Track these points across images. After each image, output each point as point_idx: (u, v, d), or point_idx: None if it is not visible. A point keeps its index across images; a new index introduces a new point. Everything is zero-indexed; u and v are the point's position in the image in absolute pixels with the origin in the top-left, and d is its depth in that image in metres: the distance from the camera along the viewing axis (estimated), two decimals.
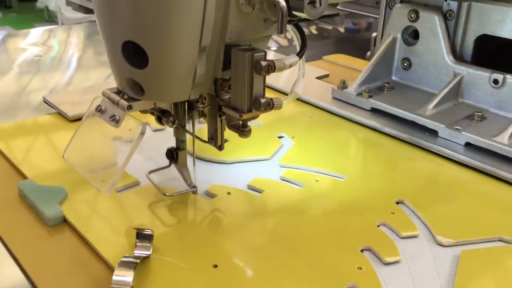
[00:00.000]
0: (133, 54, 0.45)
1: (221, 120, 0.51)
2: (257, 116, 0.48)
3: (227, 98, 0.49)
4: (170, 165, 0.55)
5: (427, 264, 0.45)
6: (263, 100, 0.45)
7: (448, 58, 0.72)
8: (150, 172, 0.55)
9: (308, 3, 0.43)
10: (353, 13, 1.47)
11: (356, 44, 1.40)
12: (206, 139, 0.53)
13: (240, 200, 0.53)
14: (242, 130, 0.50)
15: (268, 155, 0.61)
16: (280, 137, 0.66)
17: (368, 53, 0.87)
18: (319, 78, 0.87)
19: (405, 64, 0.77)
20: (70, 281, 0.42)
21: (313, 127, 0.71)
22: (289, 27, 0.49)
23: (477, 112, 0.67)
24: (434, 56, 0.73)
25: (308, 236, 0.48)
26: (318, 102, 0.76)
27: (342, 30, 1.55)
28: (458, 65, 0.71)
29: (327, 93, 0.78)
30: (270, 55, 0.49)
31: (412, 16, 0.74)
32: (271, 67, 0.44)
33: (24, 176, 0.55)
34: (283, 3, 0.43)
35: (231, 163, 0.60)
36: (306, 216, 0.50)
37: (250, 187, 0.55)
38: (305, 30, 1.49)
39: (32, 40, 1.19)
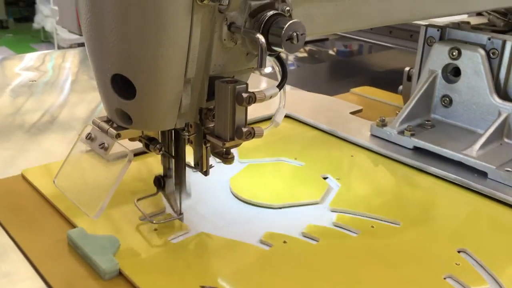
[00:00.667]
0: (121, 86, 0.48)
1: (206, 147, 0.54)
2: (240, 144, 0.50)
3: (212, 127, 0.51)
4: (157, 192, 0.57)
5: None
6: (244, 129, 0.48)
7: (492, 97, 0.71)
8: (138, 199, 0.56)
9: (286, 40, 0.46)
10: (344, 37, 1.48)
11: (356, 69, 1.41)
12: (192, 165, 0.56)
13: (298, 250, 0.51)
14: (226, 157, 0.53)
15: (317, 198, 0.59)
16: (325, 178, 0.65)
17: (401, 87, 0.86)
18: (353, 113, 0.85)
19: (445, 101, 0.76)
20: None
21: (356, 167, 0.69)
22: (271, 59, 0.50)
23: None
24: (476, 94, 0.72)
25: None
26: (357, 140, 0.75)
27: (333, 53, 1.57)
28: (503, 104, 0.70)
29: (364, 130, 0.77)
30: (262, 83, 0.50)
31: (453, 54, 0.73)
32: (252, 99, 0.47)
33: (72, 225, 0.53)
34: (263, 40, 0.46)
35: (280, 208, 0.58)
36: (367, 267, 0.48)
37: (305, 235, 0.53)
38: (301, 51, 1.49)
39: (27, 65, 1.19)
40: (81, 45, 1.30)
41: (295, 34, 0.46)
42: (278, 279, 0.47)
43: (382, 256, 0.50)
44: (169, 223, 0.53)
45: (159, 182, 0.57)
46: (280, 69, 0.52)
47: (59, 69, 1.15)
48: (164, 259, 0.49)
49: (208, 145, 0.54)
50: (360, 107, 0.87)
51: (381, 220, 0.56)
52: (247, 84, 0.48)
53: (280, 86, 0.51)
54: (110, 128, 0.50)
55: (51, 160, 0.66)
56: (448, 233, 0.55)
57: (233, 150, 0.66)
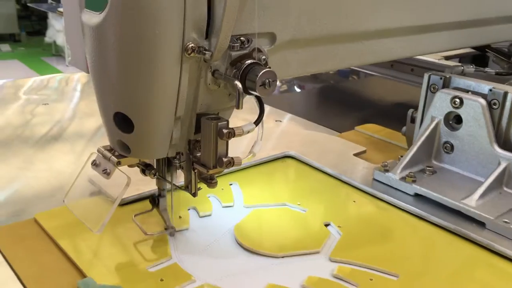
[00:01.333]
0: (121, 121, 0.55)
1: (195, 173, 0.62)
2: (222, 171, 0.58)
3: (199, 156, 0.60)
4: (152, 209, 0.65)
5: None
6: (225, 159, 0.57)
7: (492, 146, 0.73)
8: (135, 215, 0.65)
9: (260, 85, 0.55)
10: None
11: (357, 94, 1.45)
12: (183, 187, 0.64)
13: None
14: (210, 181, 0.61)
15: (318, 248, 0.61)
16: (326, 225, 0.67)
17: (404, 128, 0.89)
18: (356, 155, 0.88)
19: (446, 148, 0.78)
20: None
21: (358, 214, 0.71)
22: (252, 97, 0.58)
23: None
24: (478, 142, 0.75)
25: None
26: (360, 185, 0.77)
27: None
28: (503, 153, 0.72)
29: (368, 174, 0.79)
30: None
31: (455, 102, 0.75)
32: (232, 134, 0.56)
33: (83, 274, 0.55)
34: (240, 85, 0.54)
35: (282, 257, 0.60)
36: None
37: (305, 287, 0.55)
38: None
39: (35, 87, 1.25)
40: None
41: (267, 81, 0.55)
42: None
43: None
44: (174, 273, 0.55)
45: (154, 201, 0.66)
46: (259, 107, 0.60)
47: (65, 91, 1.21)
48: None
49: (196, 170, 0.61)
50: (364, 148, 0.90)
51: (380, 272, 0.58)
52: (227, 121, 0.56)
53: (257, 122, 0.59)
54: (112, 156, 0.59)
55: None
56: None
57: (238, 195, 0.73)
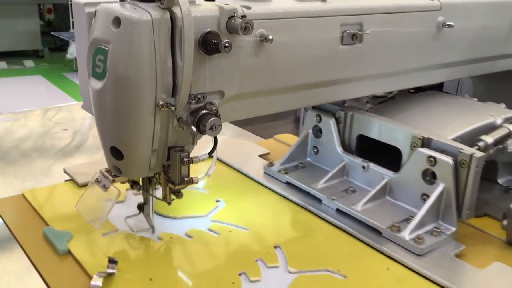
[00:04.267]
0: (115, 152, 0.73)
1: (169, 188, 0.79)
2: (185, 187, 0.77)
3: (170, 175, 0.76)
4: (139, 213, 0.85)
5: None
6: (186, 179, 0.76)
7: (339, 149, 1.02)
8: (127, 217, 0.87)
9: (209, 129, 0.71)
10: None
11: None
12: (161, 198, 0.82)
13: (179, 243, 0.85)
14: (177, 194, 0.80)
15: (205, 213, 0.92)
16: (217, 201, 0.97)
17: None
18: (261, 156, 1.19)
19: (314, 150, 1.08)
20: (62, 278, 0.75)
21: (243, 192, 1.02)
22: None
23: (350, 187, 0.98)
24: (331, 146, 1.03)
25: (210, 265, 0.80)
26: (253, 176, 1.08)
27: None
28: (344, 154, 1.02)
29: (262, 168, 1.09)
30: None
31: (317, 119, 1.05)
32: (190, 161, 0.74)
33: (46, 223, 0.88)
34: (194, 129, 0.71)
35: (179, 218, 0.91)
36: (212, 253, 0.84)
37: (187, 235, 0.86)
38: None
39: (58, 115, 1.46)
40: None
41: (214, 126, 0.72)
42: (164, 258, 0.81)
43: (226, 251, 0.84)
44: None
45: (140, 207, 0.85)
46: (213, 141, 0.77)
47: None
48: (98, 247, 0.82)
49: (169, 186, 0.78)
50: (268, 151, 1.22)
51: (238, 227, 0.90)
52: (188, 153, 0.74)
53: (210, 153, 0.77)
54: (109, 176, 0.78)
55: None
56: (271, 234, 0.89)
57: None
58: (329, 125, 1.04)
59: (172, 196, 0.80)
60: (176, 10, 0.67)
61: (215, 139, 0.76)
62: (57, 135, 1.31)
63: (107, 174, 0.78)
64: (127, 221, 0.86)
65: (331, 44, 0.88)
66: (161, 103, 0.69)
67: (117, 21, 0.67)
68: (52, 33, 6.27)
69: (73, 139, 1.29)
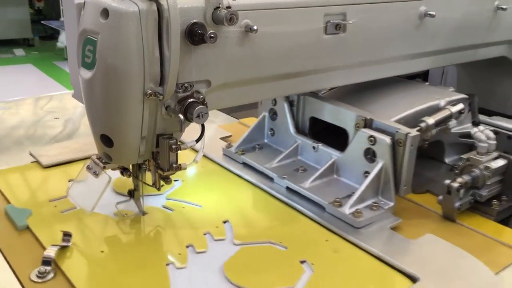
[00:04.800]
0: (105, 139, 0.75)
1: (158, 174, 0.81)
2: (174, 173, 0.79)
3: (159, 162, 0.78)
4: (130, 199, 0.89)
5: None
6: (175, 165, 0.78)
7: (292, 131, 1.08)
8: (118, 203, 0.90)
9: (196, 117, 0.74)
10: None
11: None
12: (151, 184, 0.85)
13: (133, 220, 0.92)
14: (166, 179, 0.83)
15: (161, 192, 0.95)
16: (175, 180, 1.01)
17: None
18: (222, 138, 1.23)
19: (270, 132, 1.13)
20: (24, 254, 0.80)
21: (203, 175, 1.07)
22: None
23: (301, 167, 1.03)
24: (285, 128, 1.09)
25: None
26: (213, 157, 1.13)
27: None
28: (297, 135, 1.07)
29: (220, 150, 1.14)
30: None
31: (273, 102, 1.10)
32: (178, 148, 0.76)
33: (8, 201, 0.94)
34: (182, 117, 0.73)
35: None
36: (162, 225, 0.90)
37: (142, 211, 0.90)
38: None
39: (49, 104, 1.47)
40: None
41: (201, 114, 0.74)
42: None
43: (178, 224, 0.91)
44: None
45: (130, 193, 0.89)
46: (201, 129, 0.79)
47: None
48: (53, 223, 0.86)
49: (158, 172, 0.80)
50: (230, 134, 1.27)
51: (191, 204, 0.96)
52: (176, 140, 0.76)
53: (198, 140, 0.79)
54: (100, 162, 0.80)
55: None
56: (222, 209, 0.96)
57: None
58: (284, 108, 1.09)
59: (162, 182, 0.83)
60: (162, 1, 0.68)
61: (203, 126, 0.78)
62: (49, 124, 1.33)
63: (98, 161, 0.80)
64: (117, 207, 0.88)
65: (315, 34, 0.90)
66: (149, 92, 0.71)
67: (105, 13, 0.68)
68: (42, 22, 6.24)
69: (64, 127, 1.31)
